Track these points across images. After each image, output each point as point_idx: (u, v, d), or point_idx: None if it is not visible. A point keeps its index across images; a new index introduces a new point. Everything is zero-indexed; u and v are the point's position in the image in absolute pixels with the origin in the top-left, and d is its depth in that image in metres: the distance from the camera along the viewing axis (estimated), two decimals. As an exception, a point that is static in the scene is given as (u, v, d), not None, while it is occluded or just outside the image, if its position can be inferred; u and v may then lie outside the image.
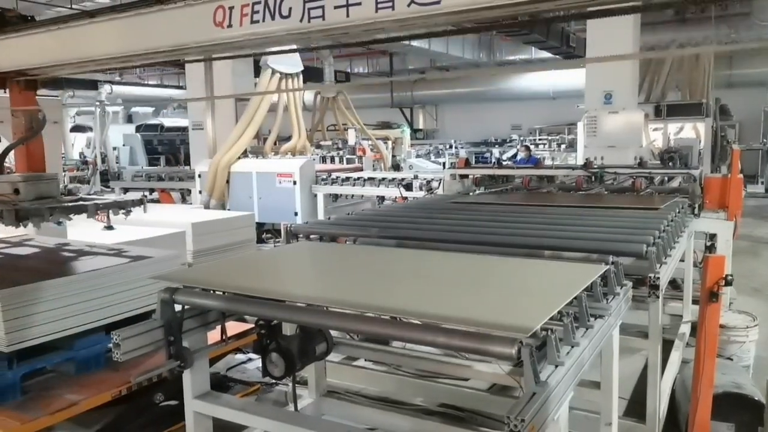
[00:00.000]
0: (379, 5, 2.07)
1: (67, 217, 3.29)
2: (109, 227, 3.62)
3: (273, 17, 2.33)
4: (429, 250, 2.90)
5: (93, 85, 16.74)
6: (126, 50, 2.79)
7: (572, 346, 1.93)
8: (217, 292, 2.43)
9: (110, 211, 3.52)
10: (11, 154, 3.79)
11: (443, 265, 2.65)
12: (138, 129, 19.29)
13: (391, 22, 2.11)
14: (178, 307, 2.36)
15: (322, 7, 2.21)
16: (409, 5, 2.03)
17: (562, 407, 1.80)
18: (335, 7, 2.17)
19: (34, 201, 3.24)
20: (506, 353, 1.68)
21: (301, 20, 2.27)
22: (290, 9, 2.29)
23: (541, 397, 1.64)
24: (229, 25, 2.43)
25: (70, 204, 3.31)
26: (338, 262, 2.89)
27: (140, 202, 3.60)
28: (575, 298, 2.07)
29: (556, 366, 1.80)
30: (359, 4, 2.12)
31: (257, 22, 2.36)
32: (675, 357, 4.01)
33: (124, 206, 3.51)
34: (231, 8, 2.42)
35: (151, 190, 11.23)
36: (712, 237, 5.07)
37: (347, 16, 2.15)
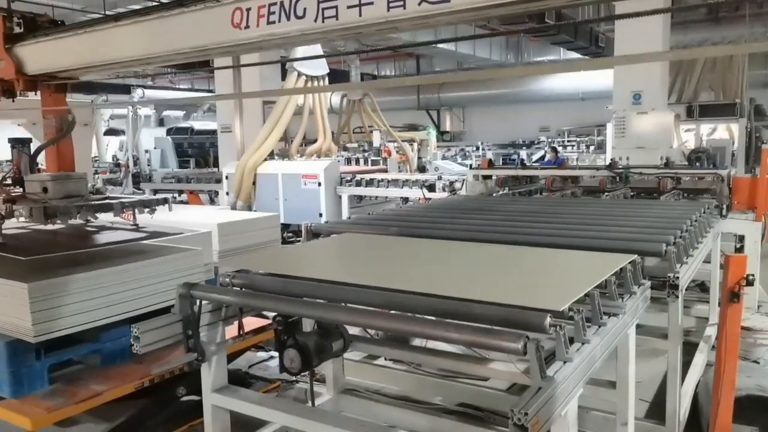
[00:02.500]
0: (391, 4, 2.10)
1: (93, 215, 3.39)
2: (136, 226, 3.72)
3: (288, 18, 2.38)
4: (458, 241, 3.06)
5: (126, 89, 17.15)
6: (149, 52, 2.87)
7: (582, 343, 1.93)
8: (234, 288, 2.50)
9: (136, 210, 3.61)
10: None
11: (474, 254, 2.83)
12: (169, 132, 19.65)
13: (403, 21, 2.13)
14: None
15: (336, 7, 2.25)
16: (419, 4, 2.05)
17: (570, 403, 1.79)
18: (348, 7, 2.21)
19: (62, 199, 3.35)
20: (512, 348, 1.68)
21: (315, 20, 2.31)
22: (305, 9, 2.33)
23: (546, 392, 1.64)
24: (247, 26, 2.49)
25: (96, 202, 3.41)
26: (375, 251, 3.05)
27: (165, 201, 3.70)
28: (587, 295, 2.07)
29: (565, 362, 1.80)
30: (371, 3, 2.15)
31: (273, 22, 2.42)
32: (699, 359, 3.94)
33: (149, 205, 3.61)
34: (248, 10, 2.48)
35: (180, 192, 11.45)
36: (742, 239, 4.97)
37: (360, 15, 2.18)
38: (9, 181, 3.73)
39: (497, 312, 1.92)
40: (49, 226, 3.51)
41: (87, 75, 3.49)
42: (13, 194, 3.53)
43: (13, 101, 3.62)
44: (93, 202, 3.40)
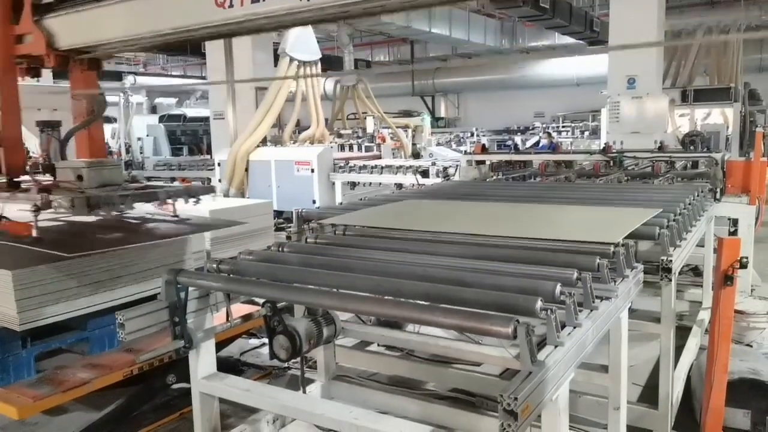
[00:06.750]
0: (378, -19, 2.04)
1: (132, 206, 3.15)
2: (176, 217, 3.45)
3: (273, -5, 2.31)
4: (495, 202, 3.71)
5: (117, 76, 16.97)
6: (133, 33, 2.80)
7: (574, 327, 1.90)
8: (221, 274, 2.45)
9: (180, 199, 3.39)
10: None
11: (515, 209, 3.43)
12: (161, 119, 19.45)
13: (391, 0, 2.07)
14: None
15: (322, -16, 2.19)
16: (407, -19, 1.99)
17: (562, 388, 1.77)
18: (334, -15, 2.15)
19: (98, 188, 3.10)
20: (502, 332, 1.65)
21: (301, -2, 2.25)
22: (290, -13, 2.27)
23: (537, 377, 1.61)
24: (230, 5, 2.42)
25: (141, 191, 3.17)
26: (440, 209, 3.53)
27: (211, 190, 3.47)
28: (579, 279, 2.04)
29: (556, 346, 1.77)
30: (358, -20, 2.09)
31: (257, 1, 2.35)
32: (692, 343, 3.93)
33: (195, 194, 3.39)
34: (232, -12, 2.41)
35: (172, 179, 11.36)
36: (735, 222, 4.96)
37: (346, -7, 2.13)
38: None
39: (489, 296, 1.90)
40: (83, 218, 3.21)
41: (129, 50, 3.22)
42: (45, 183, 3.23)
43: (38, 81, 3.34)
44: (137, 192, 3.14)
